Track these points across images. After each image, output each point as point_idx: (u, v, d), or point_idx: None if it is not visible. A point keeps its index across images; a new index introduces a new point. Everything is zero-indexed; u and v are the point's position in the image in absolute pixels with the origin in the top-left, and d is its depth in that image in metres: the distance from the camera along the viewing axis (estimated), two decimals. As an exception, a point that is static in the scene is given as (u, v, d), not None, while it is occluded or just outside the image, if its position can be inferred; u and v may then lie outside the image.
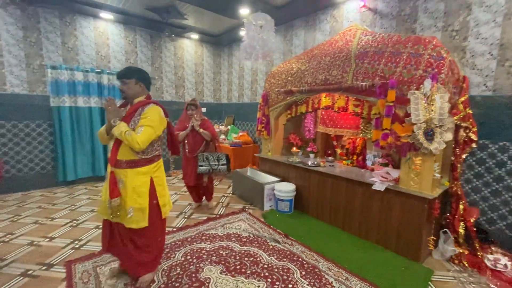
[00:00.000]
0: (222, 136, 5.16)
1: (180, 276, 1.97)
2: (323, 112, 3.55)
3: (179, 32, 4.61)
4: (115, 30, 4.49)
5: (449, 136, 2.07)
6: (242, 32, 4.86)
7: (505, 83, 2.21)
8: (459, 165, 2.39)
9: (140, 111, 1.70)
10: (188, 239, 2.55)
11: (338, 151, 3.58)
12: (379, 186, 2.39)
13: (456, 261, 2.21)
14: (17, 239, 2.49)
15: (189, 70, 5.50)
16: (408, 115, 2.19)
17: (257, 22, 2.26)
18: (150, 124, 1.65)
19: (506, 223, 2.25)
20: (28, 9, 3.72)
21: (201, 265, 2.12)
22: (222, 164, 3.09)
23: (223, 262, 2.17)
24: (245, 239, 2.56)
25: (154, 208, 1.77)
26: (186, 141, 3.11)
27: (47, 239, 2.50)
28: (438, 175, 2.15)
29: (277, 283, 1.92)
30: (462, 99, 2.34)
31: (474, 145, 2.36)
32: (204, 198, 3.40)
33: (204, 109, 5.52)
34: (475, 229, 2.25)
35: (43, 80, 3.93)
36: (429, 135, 2.06)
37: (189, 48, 5.43)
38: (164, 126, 1.81)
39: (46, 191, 3.93)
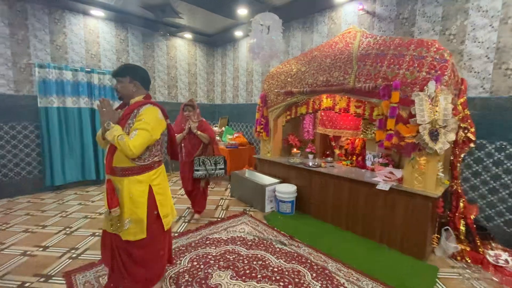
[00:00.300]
0: (217, 138, 5.09)
1: (189, 283, 1.90)
2: (322, 113, 3.57)
3: (173, 31, 4.51)
4: (106, 28, 4.32)
5: (452, 136, 2.13)
6: (238, 33, 4.83)
7: (502, 85, 2.31)
8: (458, 164, 2.47)
9: (135, 113, 1.54)
10: (192, 244, 2.47)
11: (337, 151, 3.62)
12: (383, 186, 2.43)
13: (459, 258, 2.28)
14: (9, 249, 2.32)
15: (182, 70, 5.39)
16: (411, 116, 2.23)
17: (265, 22, 2.23)
18: (145, 127, 1.47)
19: (504, 220, 2.35)
20: (16, 5, 3.51)
21: (210, 270, 2.06)
22: (220, 169, 2.94)
23: (231, 267, 2.11)
24: (250, 242, 2.52)
25: (155, 219, 1.59)
26: (183, 145, 2.93)
27: (41, 249, 2.35)
28: (442, 175, 2.21)
29: (290, 286, 1.89)
30: (461, 100, 2.42)
31: (472, 145, 2.45)
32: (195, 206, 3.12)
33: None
34: (475, 226, 2.33)
35: (30, 79, 3.71)
36: (434, 135, 2.11)
37: (182, 47, 5.32)
38: (163, 128, 1.63)
39: (33, 197, 3.71)
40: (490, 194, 2.41)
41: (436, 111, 2.09)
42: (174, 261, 2.18)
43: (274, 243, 2.51)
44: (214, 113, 6.08)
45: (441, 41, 2.63)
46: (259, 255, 2.30)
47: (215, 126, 5.69)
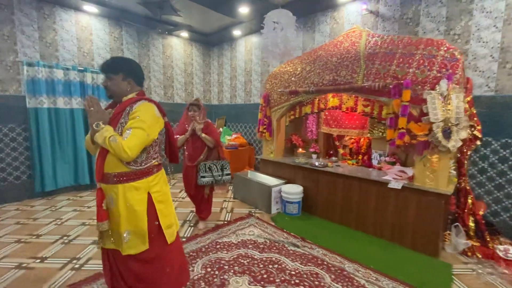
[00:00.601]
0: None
1: (207, 291, 1.81)
2: (327, 113, 3.56)
3: (170, 29, 4.37)
4: (99, 25, 4.12)
5: (464, 134, 2.16)
6: (236, 32, 4.76)
7: (507, 84, 2.37)
8: (465, 162, 2.51)
9: (128, 110, 1.34)
10: (202, 249, 2.37)
11: (341, 151, 3.62)
12: (395, 184, 2.43)
13: (469, 254, 2.31)
14: (2, 262, 2.12)
15: (179, 70, 5.24)
16: (423, 114, 2.25)
17: (279, 19, 2.18)
18: (140, 126, 1.29)
19: (510, 215, 2.41)
20: (1, -2, 3.27)
21: (225, 276, 1.98)
22: (226, 174, 2.75)
23: (247, 272, 2.04)
24: (262, 245, 2.45)
25: (156, 231, 1.40)
26: (185, 147, 2.76)
27: (38, 260, 2.17)
28: (454, 172, 2.23)
29: (311, 290, 1.84)
30: (467, 99, 2.46)
31: (478, 143, 2.50)
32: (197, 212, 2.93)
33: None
34: (483, 221, 2.38)
35: (18, 78, 3.47)
36: (447, 133, 2.13)
37: (178, 46, 5.18)
38: (161, 127, 1.45)
39: (22, 204, 3.46)
40: (496, 190, 2.47)
41: (449, 109, 2.11)
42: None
43: (286, 245, 2.46)
44: (210, 113, 5.95)
45: (446, 40, 2.67)
46: (273, 258, 2.23)
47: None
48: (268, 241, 2.53)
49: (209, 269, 2.07)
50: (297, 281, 1.93)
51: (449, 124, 2.12)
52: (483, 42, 2.47)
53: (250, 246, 2.43)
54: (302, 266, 2.12)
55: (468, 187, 2.47)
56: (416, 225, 2.37)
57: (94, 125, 1.28)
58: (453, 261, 2.24)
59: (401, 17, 2.99)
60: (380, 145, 3.11)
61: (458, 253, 2.36)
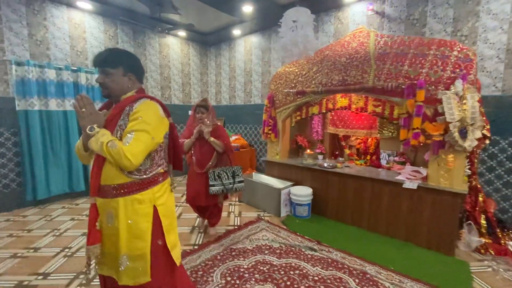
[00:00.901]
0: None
1: (232, 302, 1.72)
2: (333, 113, 3.55)
3: (170, 28, 4.21)
4: (93, 23, 3.91)
5: (479, 133, 2.19)
6: (236, 31, 4.66)
7: (513, 84, 2.44)
8: (475, 161, 2.56)
9: (128, 110, 1.15)
10: (218, 257, 2.27)
11: (347, 151, 3.62)
12: (410, 184, 2.43)
13: (482, 251, 2.35)
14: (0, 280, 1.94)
15: (176, 70, 5.08)
16: (437, 114, 2.27)
17: (298, 18, 2.12)
18: (144, 128, 1.11)
19: (518, 211, 2.47)
20: (-15, -8, 3.02)
21: (248, 286, 1.89)
22: (239, 182, 2.50)
23: (270, 280, 1.96)
24: (279, 251, 2.39)
25: (160, 252, 1.20)
26: (193, 152, 2.53)
27: (40, 277, 1.99)
28: (469, 171, 2.26)
29: (338, 295, 1.80)
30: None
31: (487, 141, 2.55)
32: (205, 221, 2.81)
33: (190, 112, 5.14)
34: (494, 219, 2.43)
35: (5, 78, 3.21)
36: (463, 133, 2.16)
37: (174, 46, 5.02)
38: (166, 128, 1.26)
39: (12, 215, 3.20)
40: (504, 188, 2.53)
41: (464, 109, 2.14)
42: (205, 277, 1.97)
43: (303, 250, 2.40)
44: (207, 115, 5.82)
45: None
46: (293, 264, 2.17)
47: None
48: (284, 246, 2.47)
49: (229, 278, 1.98)
50: (322, 287, 1.88)
51: (465, 124, 2.15)
52: (490, 43, 2.53)
53: (266, 252, 2.36)
54: (324, 271, 2.07)
55: (478, 185, 2.52)
56: (431, 224, 2.38)
57: (87, 129, 1.08)
58: (468, 259, 2.27)
59: (407, 18, 3.02)
60: (389, 145, 3.13)
61: (471, 251, 2.39)
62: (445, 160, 2.30)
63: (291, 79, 3.48)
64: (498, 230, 2.39)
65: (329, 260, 2.24)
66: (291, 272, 2.05)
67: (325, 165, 3.17)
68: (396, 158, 2.97)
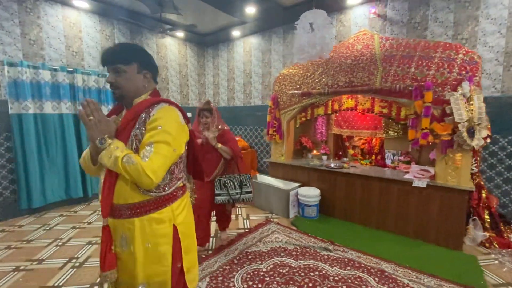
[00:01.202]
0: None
1: (260, 307, 1.70)
2: (337, 114, 3.60)
3: (170, 29, 4.12)
4: (89, 22, 3.76)
5: (485, 132, 2.29)
6: (236, 32, 4.63)
7: (511, 85, 2.57)
8: (478, 158, 2.68)
9: (144, 118, 1.00)
10: (234, 262, 2.24)
11: (351, 151, 3.68)
12: (419, 183, 2.51)
13: (487, 245, 2.46)
14: (8, 298, 1.81)
15: (173, 71, 4.98)
16: (445, 114, 2.35)
17: (316, 20, 2.13)
18: (165, 139, 0.97)
19: (518, 206, 2.61)
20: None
21: (271, 289, 1.88)
22: (246, 192, 2.31)
23: (291, 282, 1.96)
24: (294, 252, 2.39)
25: (177, 275, 1.07)
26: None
27: (51, 290, 1.89)
28: (475, 169, 2.36)
29: (362, 295, 1.82)
30: (478, 99, 2.64)
31: (488, 140, 2.67)
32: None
33: (189, 114, 5.06)
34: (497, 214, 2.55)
35: (-2, 80, 3.03)
36: (471, 132, 2.25)
37: (172, 47, 4.92)
38: (187, 137, 1.12)
39: (6, 224, 3.01)
40: (504, 184, 2.66)
41: (472, 110, 2.23)
42: (226, 283, 1.94)
43: (318, 250, 2.42)
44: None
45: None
46: (311, 265, 2.18)
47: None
48: (298, 247, 2.47)
49: (250, 283, 1.95)
50: (344, 287, 1.90)
51: (472, 124, 2.24)
52: (489, 46, 2.65)
53: (282, 254, 2.35)
54: (343, 271, 2.09)
55: (481, 182, 2.63)
56: (440, 221, 2.46)
57: (97, 141, 0.93)
58: (475, 253, 2.36)
59: (409, 21, 3.11)
60: (393, 144, 3.21)
61: (477, 245, 2.50)
62: (452, 159, 2.39)
63: (295, 80, 3.50)
64: (501, 225, 2.51)
65: (346, 259, 2.26)
66: (311, 274, 2.06)
67: (332, 165, 3.21)
68: (401, 158, 3.06)
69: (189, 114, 4.98)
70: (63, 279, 2.01)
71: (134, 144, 0.99)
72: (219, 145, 2.28)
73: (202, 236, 2.33)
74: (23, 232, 2.84)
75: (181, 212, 1.09)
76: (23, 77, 3.10)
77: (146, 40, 4.48)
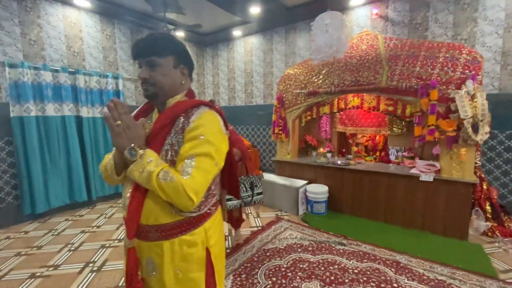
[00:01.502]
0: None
1: (288, 301, 1.75)
2: (342, 112, 3.69)
3: (174, 29, 4.08)
4: (90, 22, 3.67)
5: (487, 128, 2.42)
6: (236, 32, 4.64)
7: (508, 83, 2.73)
8: (478, 153, 2.83)
9: (182, 124, 0.85)
10: (254, 259, 2.28)
11: (354, 149, 3.78)
12: (426, 177, 2.62)
13: (489, 234, 2.60)
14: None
15: (173, 71, 4.93)
16: (450, 111, 2.47)
17: (330, 21, 2.19)
18: (208, 151, 0.82)
19: (516, 196, 2.78)
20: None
21: (295, 284, 1.93)
22: (257, 194, 2.25)
23: (313, 276, 2.01)
24: (310, 248, 2.45)
25: None
26: None
27: (74, 295, 1.86)
28: (479, 162, 2.49)
29: (382, 285, 1.90)
30: (478, 97, 2.78)
31: (487, 135, 2.83)
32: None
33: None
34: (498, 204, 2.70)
35: (-1, 82, 2.92)
36: (475, 128, 2.38)
37: (172, 46, 4.86)
38: (227, 148, 0.94)
39: (11, 231, 2.91)
40: (503, 176, 2.83)
41: (475, 106, 2.36)
42: (251, 280, 1.98)
43: (333, 245, 2.49)
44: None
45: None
46: (329, 259, 2.25)
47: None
48: (313, 243, 2.54)
49: (274, 278, 2.00)
50: (364, 278, 1.97)
51: (476, 120, 2.37)
52: (487, 46, 2.80)
53: (299, 250, 2.41)
54: (360, 264, 2.17)
55: (482, 175, 2.78)
56: (446, 213, 2.59)
57: (126, 152, 0.79)
58: (479, 242, 2.50)
59: (410, 22, 3.23)
60: (397, 141, 3.33)
61: (480, 234, 2.64)
62: (457, 154, 2.52)
63: (300, 80, 3.56)
64: (502, 215, 2.67)
65: (361, 253, 2.34)
66: (331, 267, 2.12)
67: (339, 162, 3.29)
68: (405, 154, 3.18)
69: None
70: (84, 284, 1.99)
71: (169, 155, 0.84)
72: None
73: None
74: (30, 238, 2.76)
75: (214, 231, 0.94)
76: (24, 78, 3.00)
77: (147, 40, 4.42)
